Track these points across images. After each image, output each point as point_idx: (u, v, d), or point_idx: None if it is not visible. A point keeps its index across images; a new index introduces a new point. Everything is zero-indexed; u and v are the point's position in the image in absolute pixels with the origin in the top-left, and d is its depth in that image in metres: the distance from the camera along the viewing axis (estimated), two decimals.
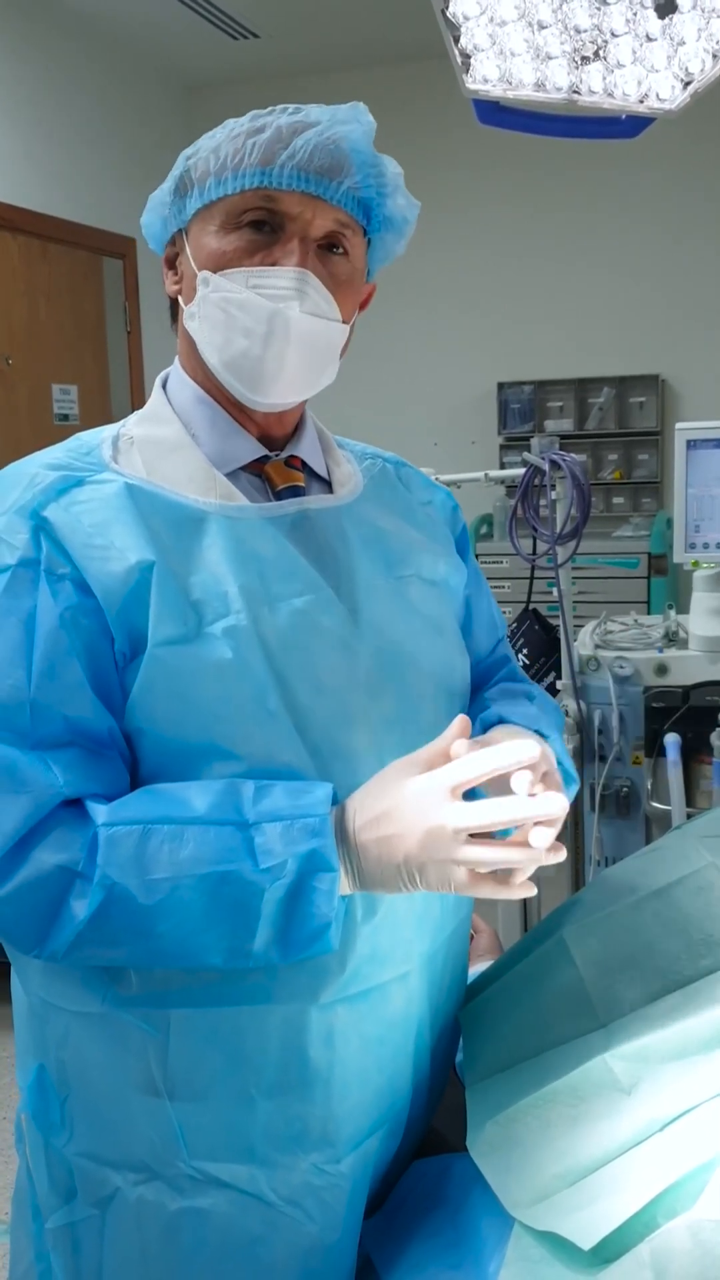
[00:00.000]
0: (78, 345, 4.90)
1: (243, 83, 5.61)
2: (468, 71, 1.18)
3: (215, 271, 1.02)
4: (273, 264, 1.01)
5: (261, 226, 1.02)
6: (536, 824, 0.88)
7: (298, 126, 1.01)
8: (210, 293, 1.02)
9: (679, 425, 2.37)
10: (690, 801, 2.29)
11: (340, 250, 1.05)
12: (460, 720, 0.95)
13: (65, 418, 4.78)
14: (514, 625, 2.52)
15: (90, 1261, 1.03)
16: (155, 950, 0.92)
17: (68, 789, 0.93)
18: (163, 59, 5.30)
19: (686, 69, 1.16)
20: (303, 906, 0.90)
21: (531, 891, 0.90)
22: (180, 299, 1.08)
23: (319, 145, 1.00)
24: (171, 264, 1.10)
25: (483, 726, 1.12)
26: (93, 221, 4.86)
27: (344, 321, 1.06)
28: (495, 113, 1.20)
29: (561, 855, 0.89)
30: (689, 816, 2.22)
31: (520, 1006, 1.06)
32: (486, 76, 1.19)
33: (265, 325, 1.00)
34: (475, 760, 0.90)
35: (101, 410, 4.95)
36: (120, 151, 5.03)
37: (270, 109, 1.03)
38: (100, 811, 0.92)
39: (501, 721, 1.12)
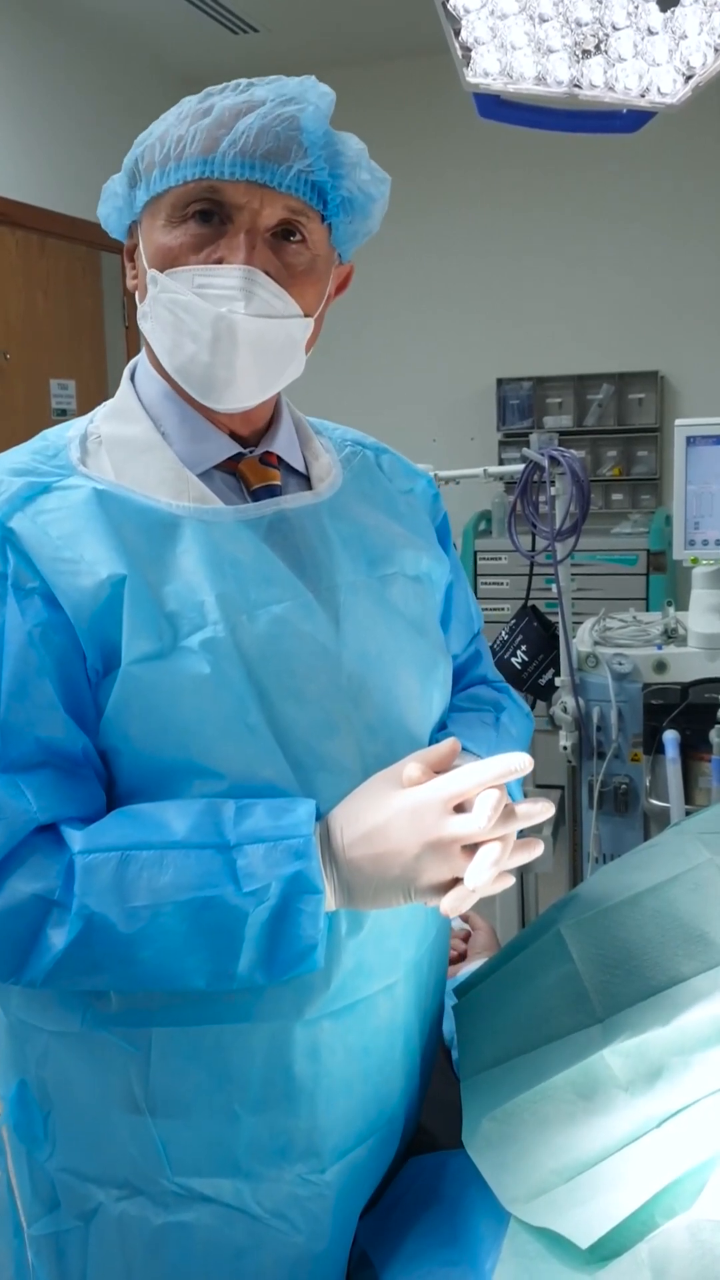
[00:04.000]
0: (75, 340, 4.89)
1: (242, 77, 5.59)
2: (468, 65, 1.17)
3: (163, 270, 0.98)
4: (218, 261, 0.96)
5: (209, 218, 0.97)
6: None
7: (241, 108, 0.95)
8: (159, 293, 0.98)
9: (679, 421, 2.37)
10: (689, 799, 2.29)
11: (297, 238, 0.99)
12: (450, 743, 0.96)
13: (63, 412, 4.77)
14: (513, 622, 2.51)
15: (75, 1272, 1.02)
16: (136, 976, 0.90)
17: (42, 814, 0.90)
18: (162, 53, 5.28)
19: (688, 63, 1.16)
20: (288, 929, 0.89)
21: (509, 882, 0.91)
22: (137, 295, 1.04)
23: (263, 129, 0.94)
24: (131, 257, 1.06)
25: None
26: (91, 216, 4.80)
27: (307, 313, 1.01)
28: (496, 107, 1.20)
29: (539, 850, 0.92)
30: (687, 813, 2.22)
31: (517, 1002, 1.06)
32: (487, 70, 1.18)
33: (210, 330, 0.96)
34: (469, 772, 0.90)
35: (99, 405, 4.93)
36: (119, 146, 4.92)
37: (223, 85, 0.98)
38: (76, 838, 0.90)
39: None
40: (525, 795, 1.03)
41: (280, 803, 0.92)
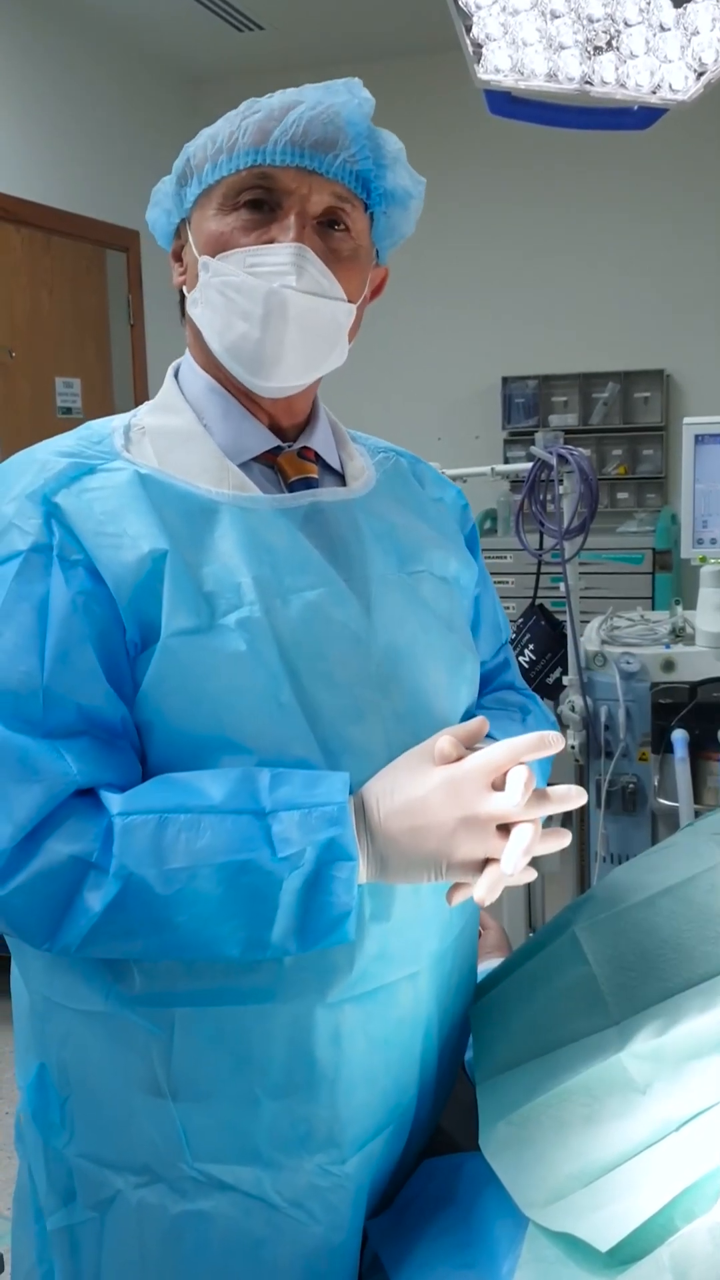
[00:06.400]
0: (80, 338, 4.89)
1: (248, 75, 5.59)
2: (479, 61, 1.17)
3: (214, 255, 1.01)
4: (269, 242, 1.00)
5: (259, 205, 1.01)
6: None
7: (290, 104, 1.00)
8: (210, 278, 1.02)
9: (687, 420, 2.36)
10: (697, 798, 2.29)
11: (341, 226, 1.03)
12: (479, 720, 0.98)
13: (68, 411, 4.77)
14: (520, 621, 2.51)
15: (89, 1265, 1.02)
16: (171, 942, 0.91)
17: (81, 778, 0.91)
18: (167, 51, 5.28)
19: (700, 59, 1.15)
20: (321, 896, 0.89)
21: (534, 874, 0.92)
22: (185, 288, 1.08)
23: (312, 119, 0.99)
24: (178, 256, 1.09)
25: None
26: (96, 214, 4.85)
27: (350, 301, 1.05)
28: (507, 103, 1.19)
29: (567, 839, 0.94)
30: (696, 813, 2.22)
31: (531, 1004, 1.06)
32: (498, 67, 1.17)
33: (262, 306, 0.99)
34: (504, 746, 0.92)
35: (104, 403, 4.94)
36: (124, 144, 5.02)
37: (268, 95, 1.02)
38: (115, 800, 0.91)
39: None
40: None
41: (314, 774, 0.94)
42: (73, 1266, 1.03)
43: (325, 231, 1.03)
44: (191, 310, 1.05)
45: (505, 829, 0.91)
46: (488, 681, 1.25)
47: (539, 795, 0.91)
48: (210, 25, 4.95)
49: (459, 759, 0.94)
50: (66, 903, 0.89)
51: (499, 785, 0.92)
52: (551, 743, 0.92)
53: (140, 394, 5.03)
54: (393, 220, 1.09)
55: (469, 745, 0.96)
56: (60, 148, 4.72)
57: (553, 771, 1.26)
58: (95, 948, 0.91)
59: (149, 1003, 0.97)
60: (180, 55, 5.35)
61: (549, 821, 0.95)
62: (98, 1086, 1.00)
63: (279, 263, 0.99)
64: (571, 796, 0.92)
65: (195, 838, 0.89)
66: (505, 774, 0.92)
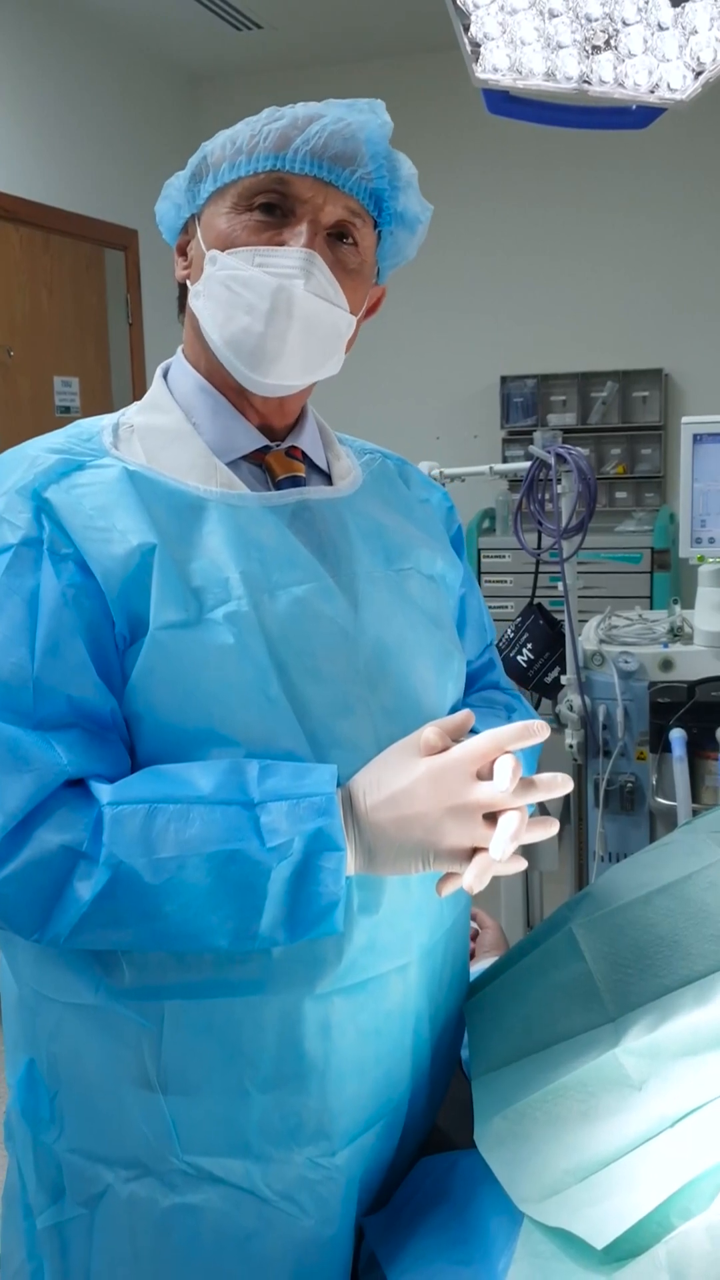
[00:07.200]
0: (79, 337, 4.89)
1: (247, 75, 5.59)
2: (477, 60, 1.17)
3: (223, 250, 1.03)
4: (280, 244, 1.01)
5: (273, 210, 1.02)
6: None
7: (313, 115, 1.02)
8: (216, 270, 1.03)
9: (685, 419, 2.37)
10: (695, 797, 2.29)
11: (350, 240, 1.05)
12: (465, 713, 0.99)
13: (67, 410, 4.77)
14: (518, 620, 2.51)
15: (79, 1263, 1.02)
16: (160, 932, 0.91)
17: (71, 768, 0.92)
18: (166, 50, 5.28)
19: (698, 58, 1.15)
20: (309, 886, 0.90)
21: (523, 864, 0.93)
22: (188, 282, 1.09)
23: (334, 133, 1.01)
24: (183, 251, 1.10)
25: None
26: (95, 213, 4.85)
27: (351, 313, 1.06)
28: (504, 103, 1.19)
29: (555, 828, 0.95)
30: (694, 812, 2.22)
31: (528, 1000, 1.06)
32: (496, 66, 1.17)
33: (268, 301, 1.00)
34: (489, 736, 0.93)
35: (103, 402, 4.94)
36: (123, 143, 5.01)
37: (291, 105, 1.04)
38: (104, 791, 0.92)
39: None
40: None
41: (302, 765, 0.94)
42: (62, 1266, 1.03)
43: (334, 243, 1.04)
44: (193, 302, 1.06)
45: (492, 818, 0.92)
46: (473, 681, 1.26)
47: (525, 783, 0.92)
48: (209, 24, 4.95)
49: (444, 750, 0.95)
50: (56, 892, 0.90)
51: (485, 775, 0.93)
52: (535, 731, 0.93)
53: (139, 393, 5.02)
54: (398, 242, 1.11)
55: (454, 737, 0.97)
56: (59, 147, 4.72)
57: (550, 771, 1.26)
58: (85, 938, 0.91)
59: (138, 995, 0.97)
60: (179, 54, 5.34)
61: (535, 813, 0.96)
62: (87, 1080, 1.00)
63: (288, 265, 1.00)
64: (558, 783, 0.93)
65: (184, 828, 0.89)
66: (491, 763, 0.93)
